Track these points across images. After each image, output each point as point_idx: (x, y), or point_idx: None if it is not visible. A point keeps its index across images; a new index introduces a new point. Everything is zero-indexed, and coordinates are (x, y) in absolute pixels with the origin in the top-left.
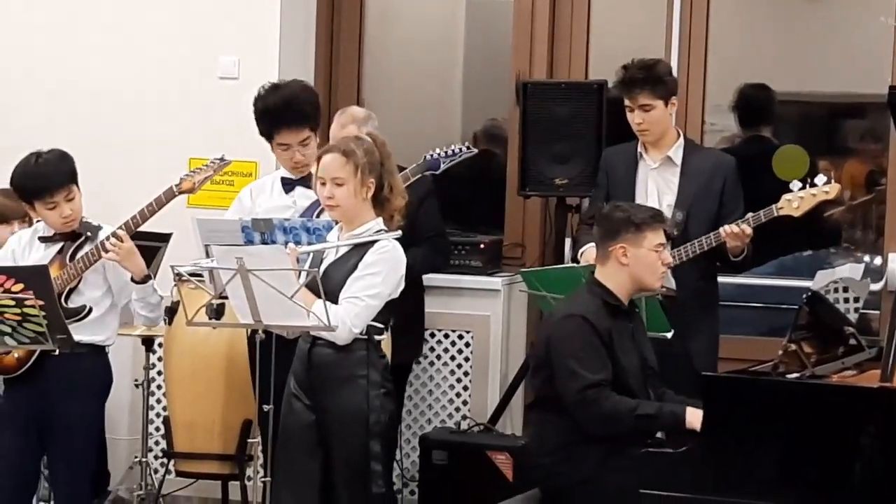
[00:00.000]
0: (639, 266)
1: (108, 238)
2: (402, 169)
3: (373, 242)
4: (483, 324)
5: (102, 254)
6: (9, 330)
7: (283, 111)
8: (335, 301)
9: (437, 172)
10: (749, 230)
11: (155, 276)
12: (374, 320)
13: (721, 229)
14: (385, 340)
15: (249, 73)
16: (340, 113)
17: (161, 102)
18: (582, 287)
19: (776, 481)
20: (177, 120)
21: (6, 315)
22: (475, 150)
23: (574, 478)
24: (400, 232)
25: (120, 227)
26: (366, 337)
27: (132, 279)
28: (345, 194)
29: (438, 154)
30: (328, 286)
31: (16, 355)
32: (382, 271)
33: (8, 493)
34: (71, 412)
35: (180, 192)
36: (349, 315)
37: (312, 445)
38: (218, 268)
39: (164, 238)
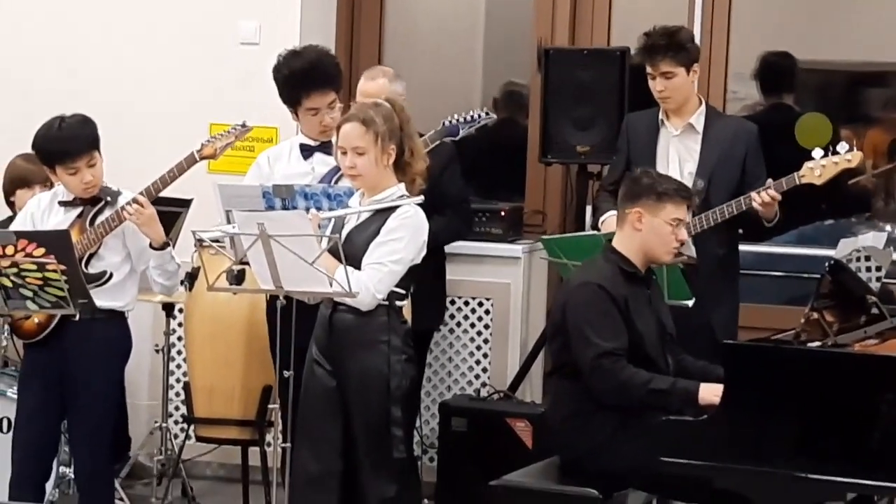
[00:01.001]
0: (651, 235)
1: (128, 203)
2: (421, 135)
3: (395, 208)
4: (503, 291)
5: (124, 216)
6: (30, 294)
7: (310, 74)
8: (357, 267)
9: (456, 138)
10: (778, 196)
11: (175, 242)
12: (395, 286)
13: (752, 196)
14: (406, 307)
15: (270, 38)
16: (369, 69)
17: (182, 68)
18: (598, 254)
19: (796, 450)
20: (198, 86)
21: (28, 279)
22: (494, 116)
23: (590, 445)
24: (422, 197)
25: (141, 193)
26: (387, 302)
27: (151, 245)
28: (366, 163)
29: (457, 120)
30: (350, 252)
31: (36, 320)
32: (405, 236)
33: (32, 449)
34: (91, 377)
35: (202, 158)
36: (372, 281)
37: (334, 410)
38: (239, 233)
39: (185, 203)
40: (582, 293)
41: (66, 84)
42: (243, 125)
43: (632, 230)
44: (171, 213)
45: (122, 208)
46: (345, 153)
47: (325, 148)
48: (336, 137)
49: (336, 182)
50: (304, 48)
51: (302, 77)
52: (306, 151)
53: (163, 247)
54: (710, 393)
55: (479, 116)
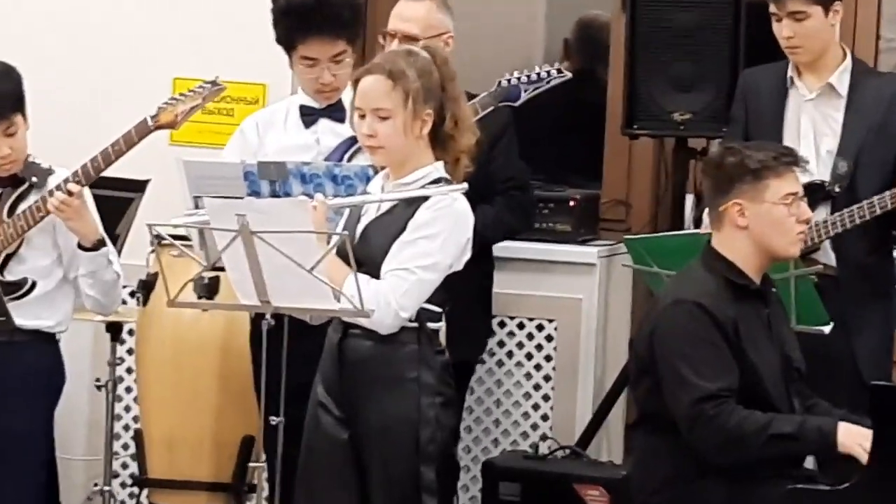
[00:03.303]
0: (762, 227)
1: (57, 188)
2: (470, 98)
3: (428, 196)
4: (572, 310)
5: (49, 207)
6: None
7: (312, 12)
8: (375, 273)
9: (516, 104)
10: None
11: (124, 240)
12: (427, 301)
13: None
14: (442, 330)
15: None
16: None
17: (141, 10)
18: (696, 261)
19: None
20: (158, 30)
21: None
22: (569, 74)
23: None
24: (465, 185)
25: (74, 174)
26: (416, 325)
27: (79, 245)
28: (391, 131)
29: (518, 78)
30: (366, 254)
31: None
32: (441, 234)
33: None
34: (8, 423)
35: (157, 127)
36: (395, 293)
37: (345, 472)
38: (211, 228)
39: (139, 187)
40: (674, 315)
41: None
42: (214, 83)
43: (734, 230)
44: (118, 200)
45: (50, 193)
46: (363, 117)
47: (335, 111)
48: (353, 96)
49: (351, 159)
50: None
51: (301, 13)
52: (309, 116)
53: (95, 246)
54: (855, 437)
55: (549, 74)
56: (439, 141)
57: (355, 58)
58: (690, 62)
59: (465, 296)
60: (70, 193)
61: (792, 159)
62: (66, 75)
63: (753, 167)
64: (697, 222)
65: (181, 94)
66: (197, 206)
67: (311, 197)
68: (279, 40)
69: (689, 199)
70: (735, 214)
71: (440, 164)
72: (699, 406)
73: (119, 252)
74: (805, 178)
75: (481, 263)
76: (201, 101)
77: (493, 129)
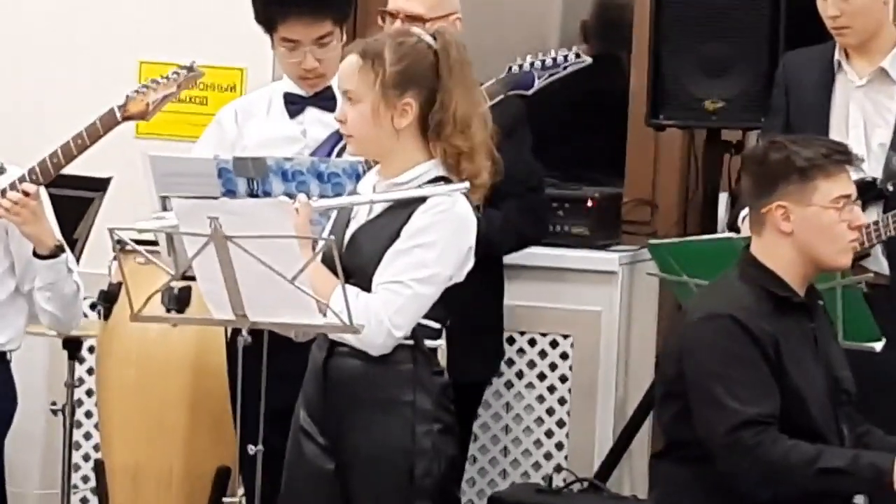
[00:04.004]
0: (809, 233)
1: (10, 187)
2: None
3: (425, 197)
4: (590, 324)
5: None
6: None
7: None
8: (366, 285)
9: (529, 93)
10: None
11: (83, 246)
12: (425, 317)
13: None
14: (441, 349)
15: None
16: None
17: None
18: (731, 270)
19: None
20: (124, 9)
21: None
22: (588, 60)
23: None
24: (468, 184)
25: (30, 171)
26: (411, 342)
27: (35, 253)
28: (358, 116)
29: (531, 64)
30: (355, 261)
31: None
32: (439, 242)
33: None
34: None
35: (126, 118)
36: (388, 309)
37: None
38: (181, 232)
39: (100, 185)
40: (707, 331)
41: None
42: (189, 68)
43: (777, 235)
44: (77, 200)
45: (1, 194)
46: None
47: (324, 99)
48: None
49: (341, 154)
50: None
51: None
52: (294, 105)
53: (54, 253)
54: None
55: (566, 59)
56: (438, 134)
57: (345, 41)
58: (724, 43)
59: (474, 309)
60: (26, 194)
61: (845, 157)
62: (15, 61)
63: (801, 165)
64: (732, 226)
65: (153, 81)
66: (165, 208)
67: (293, 197)
68: (257, 19)
69: (723, 199)
70: (779, 218)
71: (437, 160)
72: (736, 433)
73: (77, 259)
74: (855, 175)
75: (490, 273)
76: (176, 88)
77: (504, 121)
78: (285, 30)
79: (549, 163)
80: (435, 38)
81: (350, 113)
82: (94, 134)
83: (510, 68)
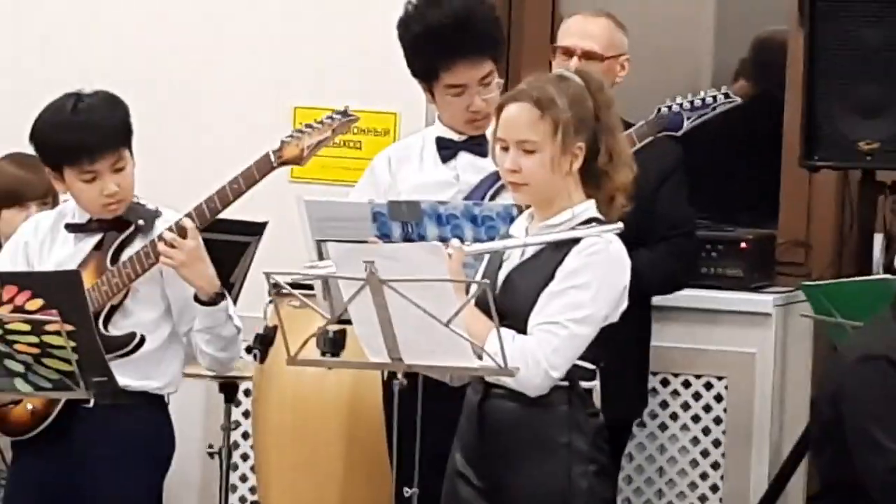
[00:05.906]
0: None
1: (168, 230)
2: (626, 127)
3: (579, 239)
4: (745, 366)
5: (161, 254)
6: (21, 369)
7: (455, 33)
8: (520, 327)
9: (678, 134)
10: None
11: (239, 290)
12: (580, 358)
13: None
14: (595, 390)
15: None
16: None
17: (256, 32)
18: (886, 311)
19: None
20: (278, 56)
21: (18, 346)
22: (738, 99)
23: None
24: (621, 224)
25: (187, 215)
26: (566, 384)
27: (196, 298)
28: (537, 166)
29: (680, 105)
30: (510, 304)
31: (29, 407)
32: (594, 282)
33: None
34: (111, 493)
35: (281, 163)
36: (544, 350)
37: None
38: (337, 276)
39: (256, 230)
40: (864, 373)
41: (85, 51)
42: (344, 112)
43: None
44: (233, 244)
45: (159, 238)
46: (506, 149)
47: (476, 144)
48: (494, 125)
49: (494, 197)
50: None
51: (442, 37)
52: (447, 149)
53: (214, 300)
54: None
55: (715, 100)
56: (591, 177)
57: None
58: (878, 84)
59: (625, 349)
60: (184, 236)
61: None
62: (171, 107)
63: None
64: (889, 267)
65: (307, 126)
66: (320, 251)
67: (447, 240)
68: (417, 73)
69: (878, 240)
70: None
71: (592, 202)
72: None
73: (234, 302)
74: None
75: (640, 314)
76: (331, 133)
77: (663, 164)
78: (450, 76)
79: (703, 204)
80: (583, 79)
81: (525, 162)
82: (249, 178)
83: (659, 109)
